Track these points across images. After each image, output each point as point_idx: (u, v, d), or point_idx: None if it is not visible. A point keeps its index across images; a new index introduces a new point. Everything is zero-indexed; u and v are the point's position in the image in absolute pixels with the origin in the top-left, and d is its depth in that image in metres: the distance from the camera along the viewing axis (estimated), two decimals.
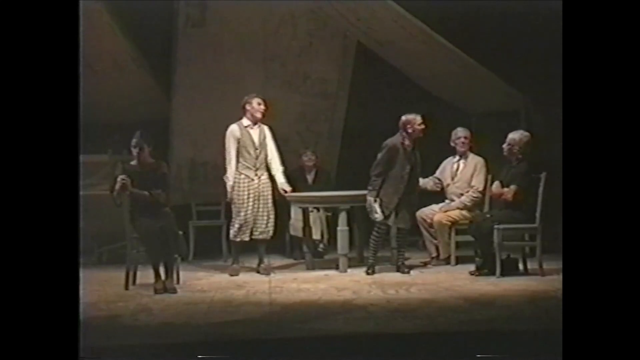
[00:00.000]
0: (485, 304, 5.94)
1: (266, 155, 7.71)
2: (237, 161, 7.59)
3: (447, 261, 7.91)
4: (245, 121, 7.67)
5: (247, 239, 7.64)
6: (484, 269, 7.15)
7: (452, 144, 8.16)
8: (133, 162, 7.00)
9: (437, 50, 8.31)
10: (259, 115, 7.63)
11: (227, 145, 7.63)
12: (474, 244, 7.41)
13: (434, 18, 7.78)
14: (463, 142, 8.08)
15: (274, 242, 8.36)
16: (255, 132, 7.67)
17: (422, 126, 7.46)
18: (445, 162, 8.25)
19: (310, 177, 8.93)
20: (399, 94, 9.58)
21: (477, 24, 7.86)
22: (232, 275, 7.50)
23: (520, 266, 7.31)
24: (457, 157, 8.14)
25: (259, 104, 7.62)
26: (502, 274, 7.01)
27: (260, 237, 7.68)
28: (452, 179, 8.12)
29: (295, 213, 8.23)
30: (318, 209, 8.21)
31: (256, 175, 7.62)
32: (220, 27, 8.93)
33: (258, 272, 7.66)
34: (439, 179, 8.19)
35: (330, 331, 5.13)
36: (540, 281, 6.80)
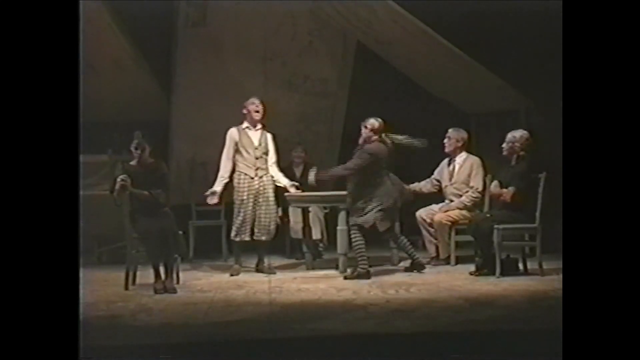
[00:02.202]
0: (485, 304, 5.94)
1: (267, 159, 7.75)
2: (234, 163, 7.63)
3: (446, 261, 7.91)
4: (244, 124, 7.73)
5: (247, 238, 7.64)
6: (484, 269, 7.15)
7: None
8: (133, 162, 7.00)
9: (437, 50, 8.31)
10: (257, 117, 7.67)
11: (225, 149, 7.67)
12: (474, 244, 7.41)
13: (434, 18, 7.79)
14: (448, 143, 8.07)
15: (274, 242, 8.37)
16: (255, 134, 7.71)
17: None
18: (442, 163, 8.25)
19: (298, 172, 8.94)
20: (399, 94, 9.59)
21: (477, 24, 7.87)
22: (232, 275, 7.50)
23: (520, 266, 7.31)
24: (449, 158, 8.15)
25: (256, 106, 7.66)
26: (502, 274, 7.01)
27: (263, 238, 7.67)
28: (450, 179, 8.12)
29: (295, 215, 8.22)
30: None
31: (256, 174, 7.63)
32: (221, 27, 8.93)
33: (261, 271, 7.65)
34: (438, 180, 8.20)
35: (330, 331, 5.12)
36: (540, 281, 6.80)
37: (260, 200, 7.63)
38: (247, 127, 7.71)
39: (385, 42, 8.90)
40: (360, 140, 7.41)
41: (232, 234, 7.69)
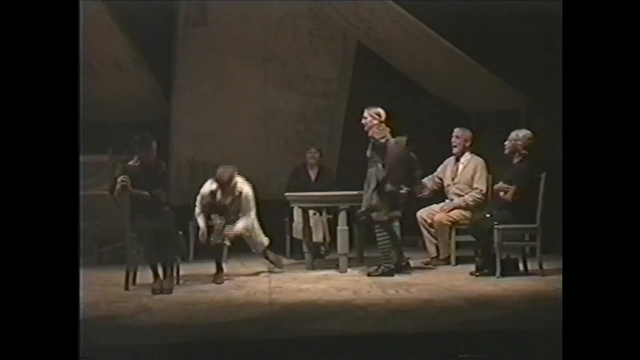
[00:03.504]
0: (485, 304, 5.94)
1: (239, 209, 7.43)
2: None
3: (447, 261, 7.91)
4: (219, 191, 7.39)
5: (228, 243, 7.41)
6: (485, 269, 7.14)
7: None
8: (132, 162, 6.99)
9: (437, 50, 8.31)
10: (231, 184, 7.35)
11: (197, 204, 7.39)
12: (474, 244, 7.41)
13: (434, 18, 7.79)
14: (457, 143, 8.06)
15: (274, 242, 8.36)
16: (228, 196, 7.39)
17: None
18: (446, 161, 8.23)
19: (313, 174, 8.93)
20: (399, 93, 9.60)
21: (477, 24, 7.85)
22: (218, 284, 7.19)
23: (520, 266, 7.31)
24: (455, 158, 8.14)
25: (227, 176, 7.28)
26: (502, 274, 7.01)
27: (255, 250, 7.64)
28: (453, 179, 8.11)
29: (297, 216, 8.19)
30: (320, 212, 8.18)
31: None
32: (221, 27, 8.94)
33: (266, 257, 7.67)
34: (440, 178, 8.19)
35: (330, 331, 5.12)
36: (540, 281, 6.80)
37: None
38: (221, 195, 7.38)
39: (385, 42, 8.91)
40: (369, 129, 7.35)
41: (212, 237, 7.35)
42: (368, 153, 7.36)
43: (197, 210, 7.42)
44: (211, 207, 7.42)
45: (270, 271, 7.70)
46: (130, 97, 9.07)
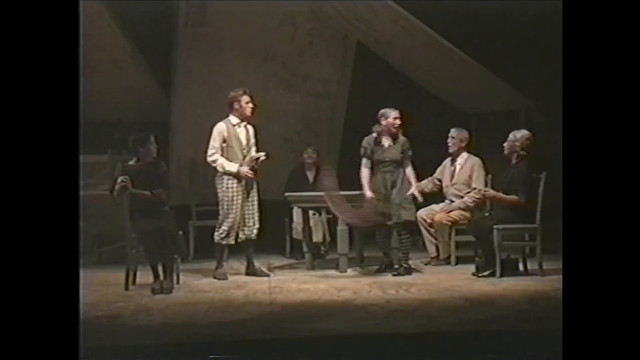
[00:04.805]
0: (485, 304, 5.94)
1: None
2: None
3: (447, 261, 7.91)
4: (233, 119, 7.39)
5: (232, 242, 7.42)
6: (487, 270, 7.11)
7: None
8: (132, 162, 6.98)
9: (437, 50, 8.31)
10: (248, 113, 7.35)
11: (212, 142, 7.32)
12: (475, 244, 7.42)
13: (434, 18, 7.79)
14: (452, 143, 8.06)
15: (274, 242, 8.34)
16: (242, 131, 7.41)
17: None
18: (444, 162, 8.25)
19: (311, 175, 8.88)
20: (399, 94, 9.60)
21: (477, 24, 7.87)
22: (219, 280, 7.25)
23: (520, 266, 7.31)
24: (451, 158, 8.15)
25: (248, 102, 7.33)
26: (502, 274, 7.01)
27: (246, 238, 7.47)
28: (451, 179, 8.13)
29: (297, 216, 8.17)
30: (320, 212, 8.16)
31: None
32: (221, 27, 8.94)
33: (253, 274, 7.48)
34: (439, 180, 8.20)
35: (330, 331, 5.13)
36: (540, 281, 6.80)
37: (249, 201, 7.40)
38: (235, 125, 7.35)
39: (385, 42, 8.91)
40: (386, 129, 7.37)
41: (217, 237, 7.38)
42: (399, 154, 7.35)
43: (214, 146, 7.27)
44: (227, 149, 7.29)
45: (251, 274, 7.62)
46: (130, 97, 9.07)
